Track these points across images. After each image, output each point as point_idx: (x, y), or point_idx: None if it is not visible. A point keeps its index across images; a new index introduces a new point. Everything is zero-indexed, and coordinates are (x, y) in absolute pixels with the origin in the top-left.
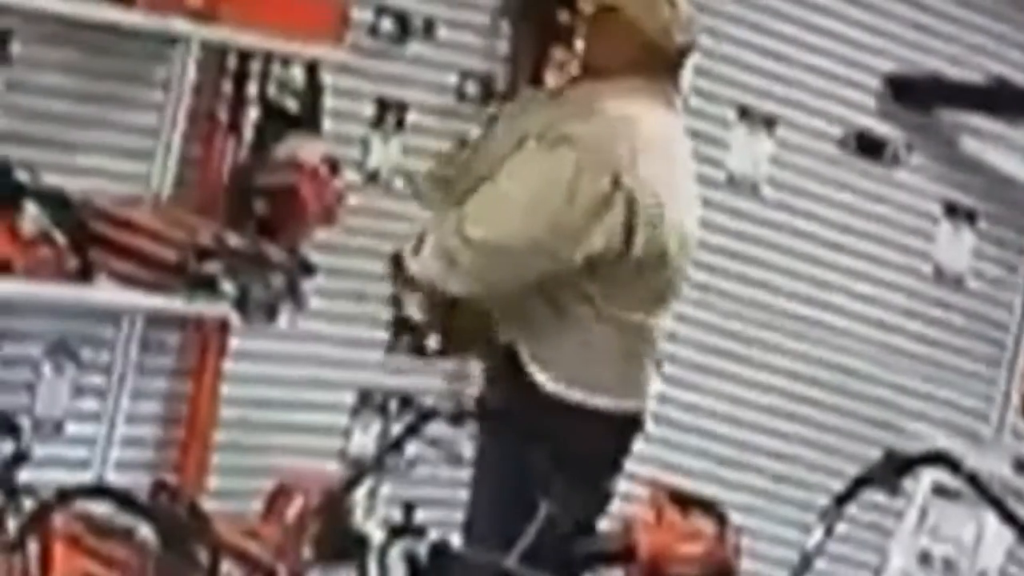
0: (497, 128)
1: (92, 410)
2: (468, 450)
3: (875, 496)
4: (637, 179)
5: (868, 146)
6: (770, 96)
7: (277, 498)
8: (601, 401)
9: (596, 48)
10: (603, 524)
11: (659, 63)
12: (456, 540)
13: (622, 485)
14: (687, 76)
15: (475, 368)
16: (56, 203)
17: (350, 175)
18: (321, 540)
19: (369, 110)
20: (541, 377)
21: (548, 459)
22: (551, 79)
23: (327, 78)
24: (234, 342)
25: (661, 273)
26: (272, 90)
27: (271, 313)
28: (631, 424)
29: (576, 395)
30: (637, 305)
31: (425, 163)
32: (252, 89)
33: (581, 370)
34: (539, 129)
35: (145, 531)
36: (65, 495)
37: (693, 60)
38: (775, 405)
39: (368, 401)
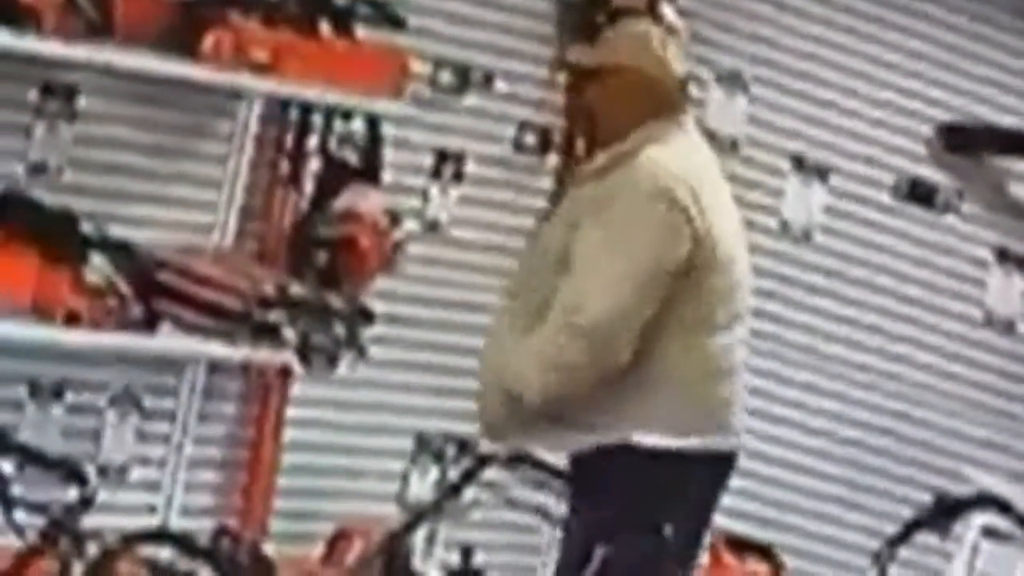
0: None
1: (156, 456)
2: (524, 494)
3: (927, 539)
4: (676, 192)
5: (920, 193)
6: (823, 145)
7: (337, 542)
8: (690, 442)
9: (610, 107)
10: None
11: (671, 100)
12: None
13: None
14: (741, 125)
15: None
16: (121, 253)
17: (410, 225)
18: None
19: (428, 161)
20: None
21: (607, 504)
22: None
23: (387, 130)
24: (296, 389)
25: (724, 280)
26: (333, 142)
27: (332, 360)
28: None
29: (667, 441)
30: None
31: (483, 213)
32: (313, 141)
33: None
34: (582, 211)
35: (207, 575)
36: (129, 540)
37: (747, 109)
38: (827, 449)
39: (426, 446)
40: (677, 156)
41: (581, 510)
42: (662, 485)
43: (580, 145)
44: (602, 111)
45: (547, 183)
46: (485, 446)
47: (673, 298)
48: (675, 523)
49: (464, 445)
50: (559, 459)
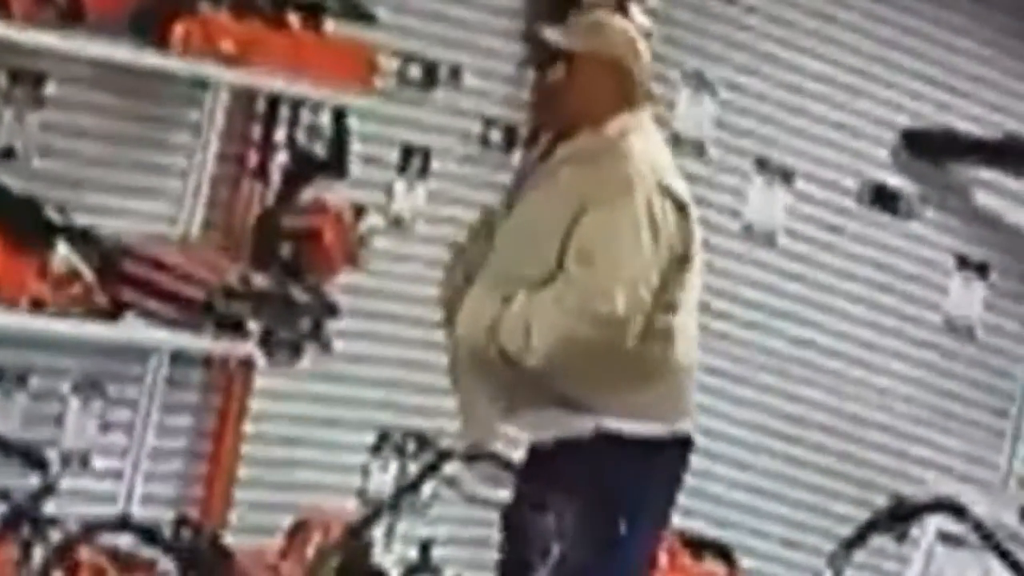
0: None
1: (118, 445)
2: (483, 490)
3: (882, 542)
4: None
5: (883, 199)
6: (788, 149)
7: (297, 534)
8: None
9: (586, 91)
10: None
11: (642, 93)
12: None
13: None
14: (707, 128)
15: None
16: (86, 242)
17: (375, 219)
18: None
19: (394, 156)
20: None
21: (562, 500)
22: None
23: (354, 124)
24: (258, 381)
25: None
26: (300, 135)
27: (295, 353)
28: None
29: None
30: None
31: (448, 209)
32: (281, 134)
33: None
34: (590, 195)
35: (167, 564)
36: (90, 528)
37: (712, 112)
38: (786, 451)
39: (387, 441)
40: (662, 151)
41: (538, 504)
42: (630, 475)
43: (543, 141)
44: (575, 95)
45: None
46: (446, 441)
47: (659, 289)
48: (641, 511)
49: (425, 440)
50: (518, 455)
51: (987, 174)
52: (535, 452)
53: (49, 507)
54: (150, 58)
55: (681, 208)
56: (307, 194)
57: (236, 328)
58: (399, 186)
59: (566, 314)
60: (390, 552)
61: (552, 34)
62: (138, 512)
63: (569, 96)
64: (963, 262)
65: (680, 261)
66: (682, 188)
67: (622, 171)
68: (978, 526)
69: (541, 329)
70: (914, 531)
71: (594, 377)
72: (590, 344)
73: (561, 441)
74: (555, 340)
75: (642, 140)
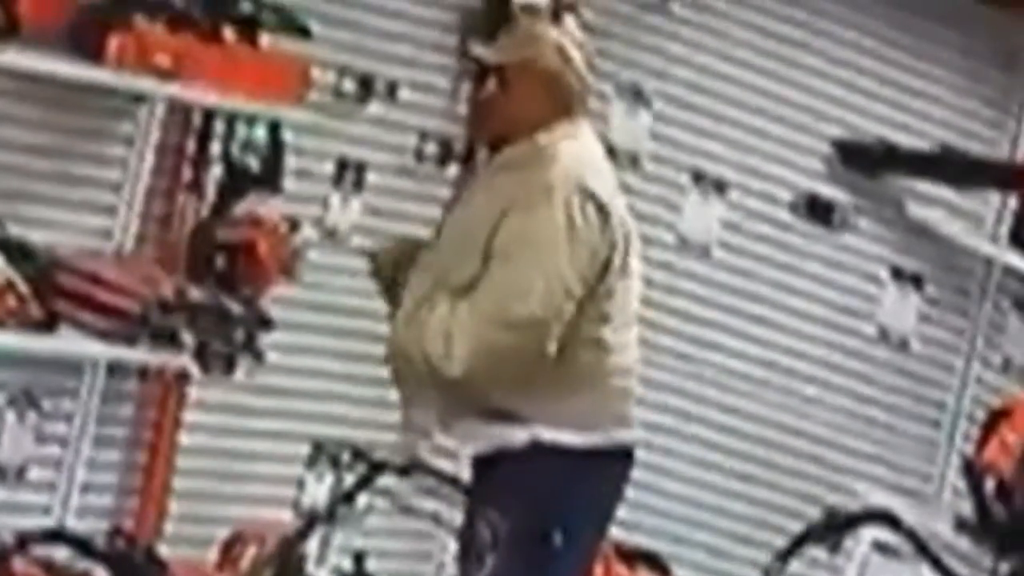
0: (459, 207)
1: (53, 457)
2: (418, 502)
3: (817, 553)
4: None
5: (817, 210)
6: (722, 160)
7: (232, 546)
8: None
9: (519, 102)
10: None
11: (577, 102)
12: None
13: None
14: (642, 140)
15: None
16: (21, 254)
17: (309, 232)
18: None
19: (329, 169)
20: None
21: (496, 513)
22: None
23: (289, 137)
24: (193, 393)
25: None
26: (235, 148)
27: (229, 365)
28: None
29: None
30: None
31: (383, 222)
32: (215, 147)
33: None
34: (514, 199)
35: None
36: (24, 539)
37: (647, 124)
38: (720, 462)
39: (322, 452)
40: (595, 159)
41: (473, 514)
42: (567, 485)
43: (482, 154)
44: (507, 107)
45: (447, 194)
46: (380, 452)
47: (586, 297)
48: (579, 521)
49: (359, 452)
50: (455, 467)
51: (921, 185)
52: (478, 462)
53: None
54: (85, 72)
55: (603, 212)
56: (242, 207)
57: (171, 340)
58: (334, 199)
59: (482, 319)
60: (324, 564)
61: (480, 50)
62: (73, 524)
63: (502, 108)
64: (897, 273)
65: (605, 266)
66: (606, 191)
67: (545, 176)
68: (912, 536)
69: (460, 337)
70: (848, 542)
71: (521, 386)
72: (508, 349)
73: (499, 451)
74: (474, 347)
75: (574, 146)
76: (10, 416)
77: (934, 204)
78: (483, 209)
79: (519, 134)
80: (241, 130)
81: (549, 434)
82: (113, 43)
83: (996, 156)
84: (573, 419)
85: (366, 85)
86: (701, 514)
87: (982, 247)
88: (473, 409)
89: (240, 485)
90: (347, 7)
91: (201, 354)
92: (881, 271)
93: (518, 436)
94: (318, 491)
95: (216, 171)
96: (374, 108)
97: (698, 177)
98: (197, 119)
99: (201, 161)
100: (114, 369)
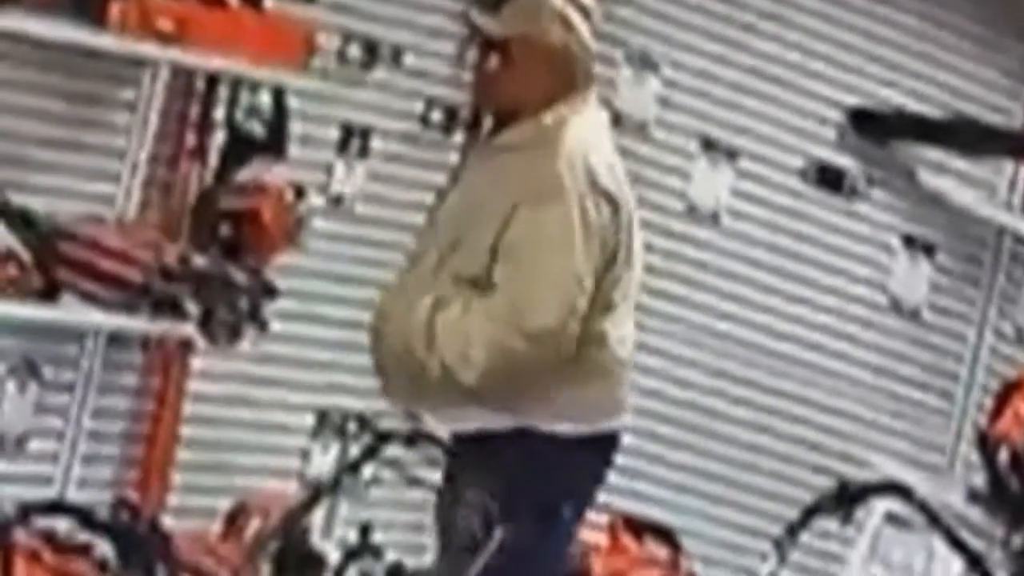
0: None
1: (55, 427)
2: (424, 472)
3: (828, 524)
4: (610, 188)
5: (828, 178)
6: (732, 127)
7: (236, 517)
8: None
9: (524, 79)
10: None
11: (584, 75)
12: (411, 561)
13: None
14: (650, 106)
15: None
16: (22, 222)
17: (314, 199)
18: (279, 559)
19: (334, 135)
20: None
21: (502, 486)
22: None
23: (293, 103)
24: (197, 362)
25: (630, 272)
26: (239, 114)
27: (234, 334)
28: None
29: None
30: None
31: (388, 189)
32: (219, 113)
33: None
34: (523, 190)
35: (105, 548)
36: (26, 511)
37: (656, 91)
38: (731, 433)
39: (327, 423)
40: (601, 140)
41: (470, 489)
42: (558, 466)
43: (487, 122)
44: (512, 82)
45: (453, 160)
46: (386, 423)
47: (594, 287)
48: (570, 503)
49: (365, 422)
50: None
51: (934, 154)
52: (464, 436)
53: None
54: (87, 36)
55: (612, 203)
56: (246, 174)
57: (174, 309)
58: (339, 166)
59: (498, 326)
60: (330, 535)
61: (483, 21)
62: (75, 495)
63: (506, 84)
64: (909, 242)
65: (613, 256)
66: (611, 180)
67: (552, 165)
68: (924, 508)
69: (478, 344)
70: (860, 513)
71: (535, 393)
72: (524, 359)
73: (482, 432)
74: (491, 354)
75: (578, 124)
76: (11, 386)
77: (946, 173)
78: (489, 196)
79: (523, 111)
80: (245, 96)
81: (537, 424)
82: (116, 7)
83: (1010, 126)
84: (568, 413)
85: (371, 51)
86: (710, 486)
87: (995, 216)
88: (464, 400)
89: (244, 456)
90: None
91: (205, 323)
92: (893, 240)
93: (504, 422)
94: (323, 462)
95: (220, 137)
96: (379, 74)
97: (707, 144)
98: (200, 84)
99: (205, 127)
100: (116, 338)
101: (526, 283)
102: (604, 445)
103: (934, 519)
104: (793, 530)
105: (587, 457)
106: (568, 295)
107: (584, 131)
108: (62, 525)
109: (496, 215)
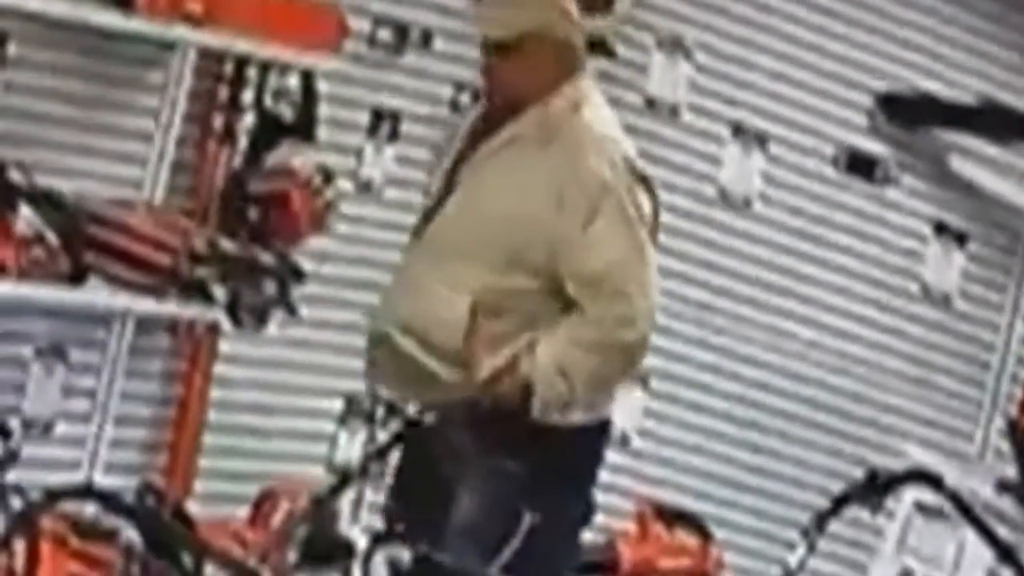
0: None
1: (82, 411)
2: None
3: (858, 513)
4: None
5: (859, 165)
6: (763, 113)
7: (263, 503)
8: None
9: (523, 72)
10: (587, 536)
11: (582, 54)
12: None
13: (608, 498)
14: (682, 91)
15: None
16: (50, 205)
17: (343, 184)
18: (306, 545)
19: (364, 119)
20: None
21: (531, 471)
22: None
23: (323, 87)
24: (224, 347)
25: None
26: (268, 98)
27: (261, 319)
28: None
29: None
30: None
31: (418, 173)
32: (248, 96)
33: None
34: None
35: (130, 533)
36: (53, 496)
37: (688, 75)
38: (762, 422)
39: (355, 408)
40: (615, 122)
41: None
42: (579, 453)
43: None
44: (514, 75)
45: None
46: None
47: None
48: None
49: (393, 407)
50: None
51: (965, 140)
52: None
53: (11, 475)
54: (116, 19)
55: (650, 188)
56: (274, 158)
57: (202, 293)
58: (368, 150)
59: (590, 351)
60: (357, 521)
61: (482, 24)
62: (102, 480)
63: (508, 77)
64: (941, 229)
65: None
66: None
67: (589, 166)
68: (954, 497)
69: (580, 382)
70: (890, 502)
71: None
72: (623, 376)
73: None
74: (589, 381)
75: (595, 111)
76: (37, 369)
77: (979, 159)
78: (518, 194)
79: (528, 101)
80: (274, 79)
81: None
82: None
83: None
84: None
85: (401, 34)
86: (741, 475)
87: None
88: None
89: (272, 441)
90: None
91: (233, 307)
92: (924, 227)
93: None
94: (351, 447)
95: (248, 120)
96: (409, 58)
97: (738, 130)
98: (229, 68)
99: (233, 110)
100: (144, 322)
101: (613, 302)
102: (607, 429)
103: (964, 509)
104: (823, 519)
105: (601, 442)
106: (648, 296)
107: (601, 114)
108: (88, 510)
109: (528, 220)
